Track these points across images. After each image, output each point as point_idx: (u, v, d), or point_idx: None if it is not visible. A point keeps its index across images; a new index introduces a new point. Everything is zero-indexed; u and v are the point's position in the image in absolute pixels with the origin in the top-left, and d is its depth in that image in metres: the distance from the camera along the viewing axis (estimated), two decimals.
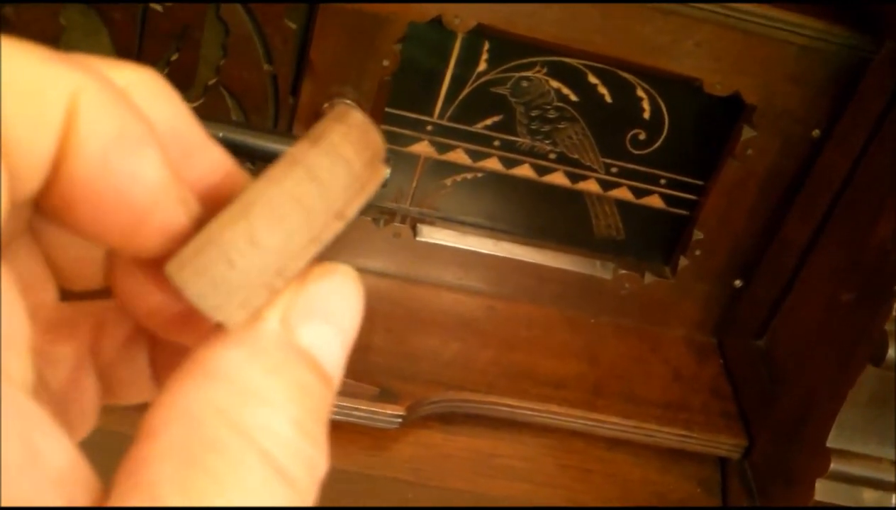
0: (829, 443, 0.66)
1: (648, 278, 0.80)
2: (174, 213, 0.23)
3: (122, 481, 0.20)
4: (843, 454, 0.66)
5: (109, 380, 0.28)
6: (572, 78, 0.72)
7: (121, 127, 0.22)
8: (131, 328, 0.28)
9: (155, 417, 0.21)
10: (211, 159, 0.25)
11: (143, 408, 0.22)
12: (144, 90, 0.24)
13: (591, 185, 0.77)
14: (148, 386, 0.29)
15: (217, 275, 0.21)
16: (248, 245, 0.21)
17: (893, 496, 0.68)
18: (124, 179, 0.22)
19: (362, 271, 0.83)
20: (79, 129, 0.21)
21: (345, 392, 0.68)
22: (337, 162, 0.22)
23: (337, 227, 0.23)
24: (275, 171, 0.22)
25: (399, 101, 0.72)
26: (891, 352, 0.62)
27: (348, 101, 0.69)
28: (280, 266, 0.22)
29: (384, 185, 0.64)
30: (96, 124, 0.21)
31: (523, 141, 0.75)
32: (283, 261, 0.22)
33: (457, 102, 0.73)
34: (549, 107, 0.73)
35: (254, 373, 0.21)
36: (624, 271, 0.80)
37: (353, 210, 0.23)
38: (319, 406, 0.22)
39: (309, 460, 0.21)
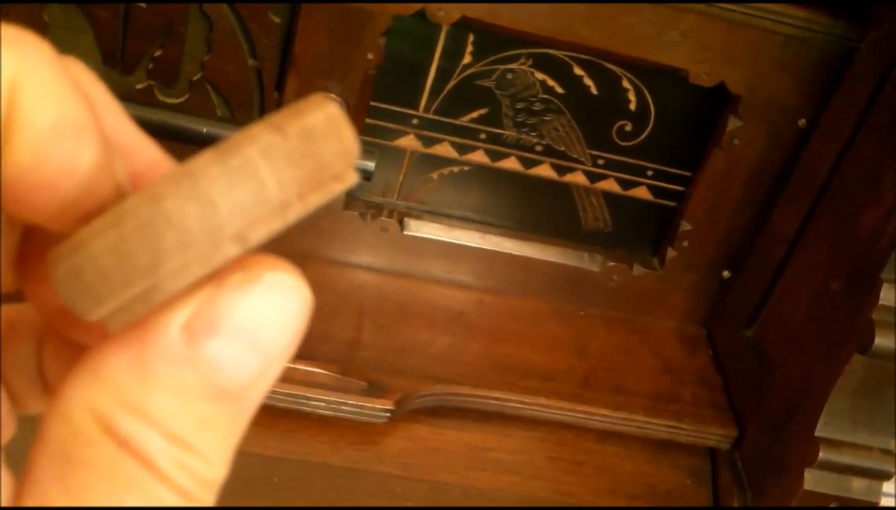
0: (818, 433, 0.66)
1: (637, 270, 0.80)
2: (108, 201, 0.22)
3: (21, 483, 0.21)
4: (832, 443, 0.66)
5: (9, 389, 0.28)
6: (558, 70, 0.72)
7: (61, 113, 0.21)
8: (23, 335, 0.28)
9: (44, 418, 0.21)
10: (140, 151, 0.25)
11: None
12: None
13: (577, 178, 0.77)
14: (41, 395, 0.28)
15: (86, 280, 0.20)
16: (116, 258, 0.20)
17: (883, 485, 0.68)
18: (59, 169, 0.21)
19: (350, 266, 0.83)
20: (18, 114, 0.20)
21: (333, 386, 0.68)
22: (240, 183, 0.20)
23: (232, 250, 0.21)
24: (162, 185, 0.20)
25: (384, 95, 0.72)
26: (878, 340, 0.62)
27: (332, 96, 0.69)
28: (154, 283, 0.20)
29: (368, 178, 0.64)
30: (36, 109, 0.20)
31: (509, 133, 0.75)
32: (157, 279, 0.20)
33: (442, 95, 0.73)
34: (534, 99, 0.73)
35: (132, 380, 0.21)
36: (612, 263, 0.80)
37: (259, 234, 0.21)
38: (209, 421, 0.21)
39: (190, 469, 0.21)
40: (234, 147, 0.20)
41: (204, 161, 0.20)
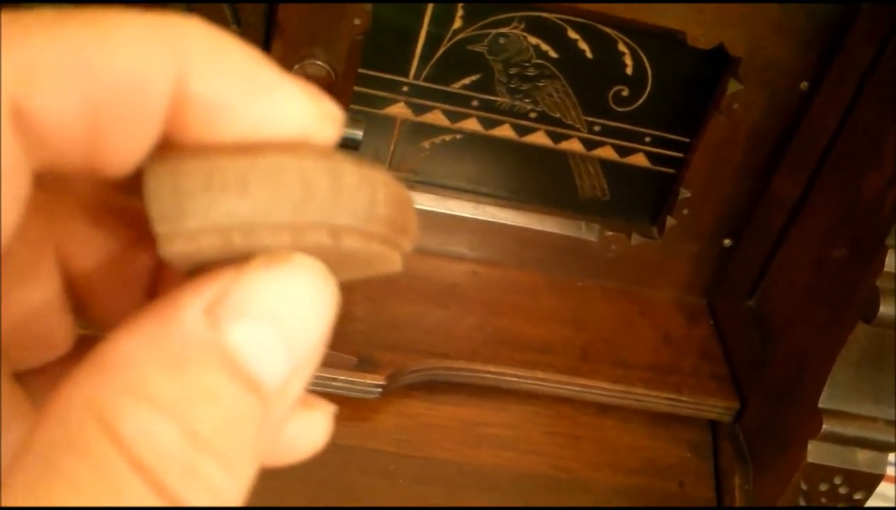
0: (821, 404, 0.64)
1: (635, 239, 0.78)
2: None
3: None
4: (836, 414, 0.64)
5: (86, 299, 0.24)
6: (551, 33, 0.70)
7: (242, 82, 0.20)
8: (119, 238, 0.24)
9: (42, 412, 0.18)
10: None
11: None
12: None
13: (573, 145, 0.75)
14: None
15: (185, 186, 0.19)
16: (235, 180, 0.19)
17: (889, 456, 0.66)
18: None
19: None
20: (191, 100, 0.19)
21: (322, 361, 0.66)
22: (364, 187, 0.21)
23: (321, 238, 0.20)
24: (300, 146, 0.20)
25: (373, 62, 0.70)
26: (882, 308, 0.60)
27: (319, 63, 0.67)
28: (249, 223, 0.19)
29: (356, 147, 0.62)
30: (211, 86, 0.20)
31: (503, 100, 0.73)
32: (254, 220, 0.19)
33: (433, 62, 0.71)
34: (528, 64, 0.71)
35: (148, 367, 0.18)
36: (610, 233, 0.78)
37: (349, 242, 0.20)
38: (236, 419, 0.19)
39: (204, 480, 0.18)
40: (364, 162, 0.21)
41: (339, 154, 0.21)
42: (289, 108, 0.20)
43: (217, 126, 0.20)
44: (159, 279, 0.25)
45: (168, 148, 0.20)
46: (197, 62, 0.19)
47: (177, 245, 0.19)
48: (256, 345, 0.19)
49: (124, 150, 0.19)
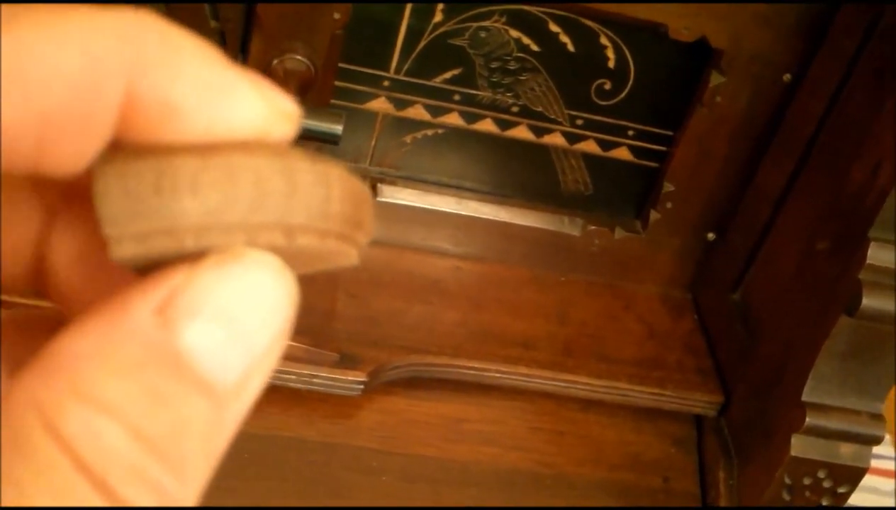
0: (805, 397, 0.64)
1: (619, 233, 0.78)
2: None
3: None
4: (820, 408, 0.64)
5: (50, 278, 0.24)
6: (533, 27, 0.69)
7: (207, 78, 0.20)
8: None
9: None
10: None
11: None
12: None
13: (556, 139, 0.75)
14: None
15: (135, 187, 0.19)
16: (186, 181, 0.19)
17: (873, 449, 0.66)
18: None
19: None
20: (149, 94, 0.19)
21: (304, 359, 0.66)
22: (318, 185, 0.20)
23: (275, 238, 0.20)
24: (255, 147, 0.20)
25: (353, 56, 0.70)
26: (866, 301, 0.60)
27: (299, 58, 0.66)
28: (200, 224, 0.19)
29: (336, 142, 0.62)
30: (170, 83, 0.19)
31: (484, 94, 0.72)
32: (206, 222, 0.19)
33: (414, 56, 0.70)
34: (509, 58, 0.71)
35: (95, 368, 0.18)
36: (593, 227, 0.77)
37: (303, 241, 0.20)
38: (184, 422, 0.18)
39: (150, 482, 0.18)
40: (322, 159, 0.21)
41: (295, 150, 0.21)
42: (243, 106, 0.20)
43: (169, 126, 0.19)
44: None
45: (118, 147, 0.20)
46: (150, 63, 0.19)
47: (126, 248, 0.19)
48: (209, 346, 0.19)
49: (73, 154, 0.19)
